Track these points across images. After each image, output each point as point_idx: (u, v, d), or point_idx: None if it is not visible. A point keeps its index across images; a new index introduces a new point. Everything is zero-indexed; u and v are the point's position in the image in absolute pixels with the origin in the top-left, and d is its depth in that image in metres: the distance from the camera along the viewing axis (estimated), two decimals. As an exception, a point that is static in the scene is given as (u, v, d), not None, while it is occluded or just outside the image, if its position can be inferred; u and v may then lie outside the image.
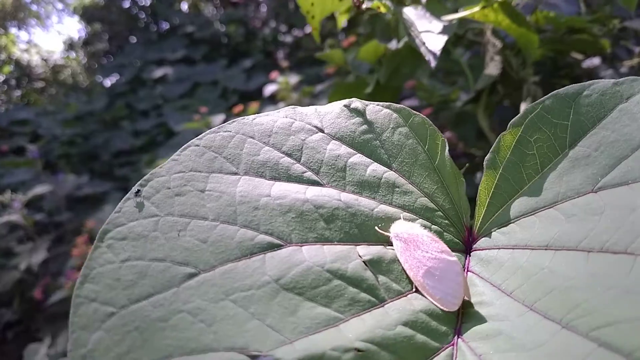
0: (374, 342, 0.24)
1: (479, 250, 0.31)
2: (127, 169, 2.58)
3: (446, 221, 0.32)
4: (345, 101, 0.36)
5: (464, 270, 0.30)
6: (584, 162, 0.29)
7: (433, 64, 0.58)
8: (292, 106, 0.35)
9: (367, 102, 0.36)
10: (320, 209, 0.30)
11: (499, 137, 0.32)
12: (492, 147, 0.32)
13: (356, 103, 0.36)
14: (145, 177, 0.30)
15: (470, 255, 0.31)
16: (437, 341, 0.26)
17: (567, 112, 0.31)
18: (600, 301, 0.23)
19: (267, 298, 0.25)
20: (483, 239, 0.32)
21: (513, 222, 0.31)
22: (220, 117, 1.88)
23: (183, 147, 0.32)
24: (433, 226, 0.32)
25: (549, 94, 0.31)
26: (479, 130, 0.97)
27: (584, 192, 0.28)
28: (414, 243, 0.28)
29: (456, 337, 0.26)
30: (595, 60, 1.05)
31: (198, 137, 0.32)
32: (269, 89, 1.81)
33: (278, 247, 0.28)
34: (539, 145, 0.31)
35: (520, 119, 0.32)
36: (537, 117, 0.31)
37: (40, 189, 1.73)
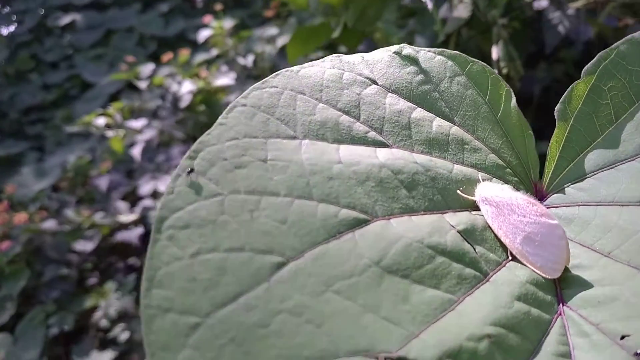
0: (501, 324, 0.22)
1: (552, 207, 0.29)
2: (40, 126, 2.33)
3: (515, 178, 0.30)
4: (396, 47, 0.31)
5: (541, 230, 0.29)
6: (666, 111, 0.28)
7: (430, 6, 0.55)
8: (337, 54, 0.31)
9: (417, 49, 0.32)
10: (400, 175, 0.26)
11: (571, 87, 0.30)
12: (563, 97, 0.30)
13: (408, 49, 0.31)
14: (193, 148, 0.24)
15: (543, 214, 0.30)
16: (547, 312, 0.24)
17: (644, 58, 0.29)
18: None
19: (373, 285, 0.22)
20: (555, 195, 0.30)
21: (590, 177, 0.29)
22: (150, 66, 1.73)
23: (228, 108, 0.26)
24: (506, 185, 0.29)
25: (623, 39, 0.29)
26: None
27: (672, 143, 0.27)
28: (509, 207, 0.26)
29: (561, 305, 0.24)
30: (544, 2, 1.06)
31: (242, 95, 0.27)
32: (203, 35, 1.68)
33: (365, 222, 0.24)
34: (613, 94, 0.29)
35: (594, 66, 0.29)
36: (611, 64, 0.29)
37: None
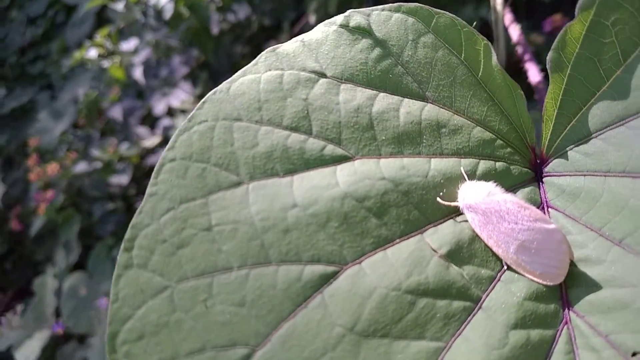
0: (495, 370, 0.20)
1: (554, 175, 0.25)
2: (40, 64, 2.28)
3: (508, 149, 0.26)
4: (340, 18, 0.25)
5: (543, 204, 0.25)
6: (690, 43, 0.22)
7: None
8: (272, 48, 0.25)
9: (368, 11, 0.26)
10: (366, 202, 0.23)
11: (563, 30, 0.23)
12: (555, 43, 0.24)
13: (356, 17, 0.25)
14: (127, 237, 0.21)
15: (542, 183, 0.26)
16: (550, 327, 0.21)
17: (658, -28, 0.22)
18: None
19: (350, 355, 0.20)
20: (556, 160, 0.26)
21: (596, 137, 0.24)
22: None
23: (157, 167, 0.23)
24: (498, 164, 0.25)
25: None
26: None
27: (696, 88, 0.21)
28: (497, 214, 0.22)
29: (567, 310, 0.22)
30: None
31: (168, 146, 0.23)
32: None
33: (334, 275, 0.21)
34: (618, 28, 0.23)
35: (592, -5, 0.23)
36: (615, -12, 0.22)
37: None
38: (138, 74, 1.62)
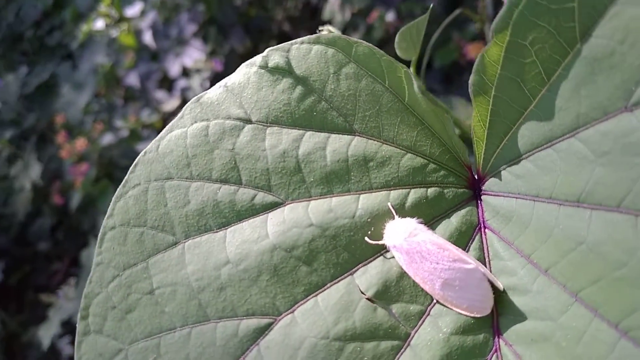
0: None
1: (491, 195, 0.25)
2: (57, 34, 2.29)
3: (442, 172, 0.26)
4: (259, 59, 0.25)
5: (480, 225, 0.25)
6: (608, 63, 0.20)
7: None
8: (196, 97, 0.25)
9: (287, 46, 0.25)
10: (295, 251, 0.24)
11: (480, 54, 0.22)
12: (475, 67, 0.23)
13: (274, 57, 0.25)
14: (82, 306, 0.24)
15: (481, 201, 0.26)
16: (480, 356, 0.23)
17: (571, -12, 0.20)
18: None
19: (285, 401, 0.22)
20: (492, 179, 0.25)
21: (526, 159, 0.24)
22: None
23: (99, 236, 0.24)
24: (429, 190, 0.25)
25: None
26: None
27: (614, 111, 0.20)
28: (419, 254, 0.23)
29: (497, 338, 0.23)
30: None
31: (107, 214, 0.24)
32: None
33: (268, 327, 0.23)
34: (538, 47, 0.22)
35: (504, 18, 0.21)
36: (527, 9, 0.21)
37: (-11, 109, 1.59)
38: (148, 37, 1.62)
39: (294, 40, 0.25)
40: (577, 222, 0.21)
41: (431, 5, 0.36)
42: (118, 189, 0.25)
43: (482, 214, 0.25)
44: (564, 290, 0.21)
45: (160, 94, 1.69)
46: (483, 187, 0.26)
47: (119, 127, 1.58)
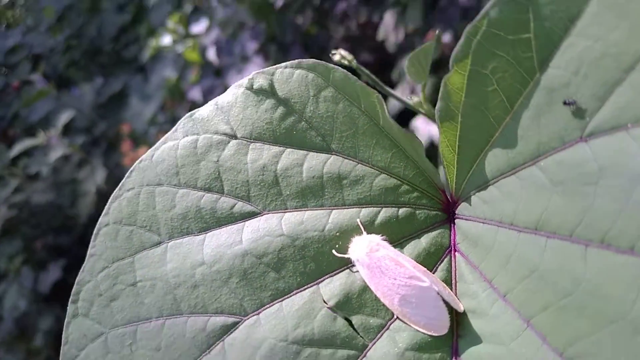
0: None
1: (463, 219, 0.26)
2: (133, 48, 2.47)
3: (415, 194, 0.26)
4: (246, 81, 0.27)
5: (451, 248, 0.26)
6: (565, 93, 0.21)
7: None
8: (190, 113, 0.28)
9: (272, 70, 0.27)
10: (264, 258, 0.25)
11: (443, 82, 0.23)
12: (440, 94, 0.24)
13: (259, 80, 0.27)
14: (73, 291, 0.26)
15: (454, 224, 0.26)
16: (432, 373, 0.23)
17: (525, 20, 0.21)
18: (599, 337, 0.18)
19: (240, 397, 0.23)
20: (463, 204, 0.26)
21: (492, 184, 0.24)
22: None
23: (95, 232, 0.27)
24: (401, 210, 0.26)
25: (491, 2, 0.21)
26: None
27: (571, 141, 0.21)
28: (378, 269, 0.24)
29: (454, 359, 0.23)
30: None
31: (103, 212, 0.27)
32: None
33: (234, 326, 0.25)
34: (499, 76, 0.22)
35: (464, 47, 0.22)
36: (485, 39, 0.22)
37: (65, 116, 1.74)
38: (212, 54, 1.71)
39: (278, 65, 0.27)
40: (533, 249, 0.22)
41: (437, 31, 0.37)
42: (114, 192, 0.28)
43: (454, 237, 0.26)
44: (519, 315, 0.22)
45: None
46: (456, 211, 0.26)
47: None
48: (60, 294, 1.72)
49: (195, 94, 1.80)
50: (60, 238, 1.89)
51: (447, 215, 0.27)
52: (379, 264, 0.24)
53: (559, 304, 0.20)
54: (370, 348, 0.24)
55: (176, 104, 1.83)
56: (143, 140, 1.76)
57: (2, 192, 1.71)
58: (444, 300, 0.23)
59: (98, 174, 1.70)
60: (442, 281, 0.25)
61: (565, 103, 0.20)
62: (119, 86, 2.02)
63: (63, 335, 0.26)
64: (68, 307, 0.26)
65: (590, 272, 0.19)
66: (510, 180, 0.23)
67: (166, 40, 1.62)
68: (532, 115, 0.22)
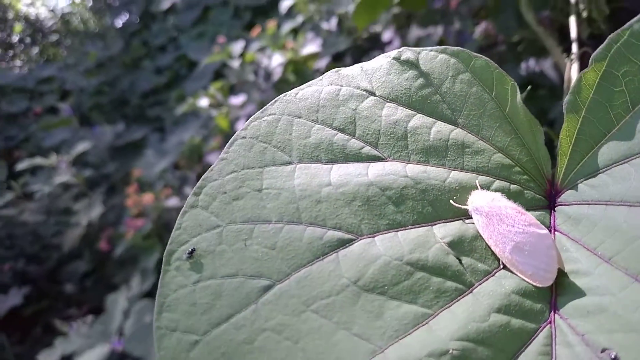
0: (469, 338, 0.23)
1: (565, 205, 0.28)
2: (158, 108, 2.58)
3: (525, 177, 0.29)
4: (394, 53, 0.32)
5: (551, 229, 0.28)
6: (689, 96, 0.25)
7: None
8: (336, 69, 0.32)
9: (418, 50, 0.32)
10: (387, 191, 0.27)
11: (578, 76, 0.28)
12: (572, 88, 0.28)
13: (407, 53, 0.31)
14: (198, 185, 0.28)
15: (555, 211, 0.29)
16: (534, 322, 0.24)
17: (663, 36, 0.26)
18: None
19: (349, 303, 0.24)
20: (568, 191, 0.29)
21: (603, 172, 0.27)
22: (240, 44, 1.81)
23: (230, 141, 0.29)
24: (512, 186, 0.29)
25: (637, 17, 0.26)
26: (521, 19, 0.88)
27: (691, 133, 0.24)
28: (498, 217, 0.26)
29: (552, 312, 0.24)
30: None
31: (243, 127, 0.30)
32: (285, 4, 1.71)
33: (349, 242, 0.26)
34: (628, 79, 0.27)
35: (604, 50, 0.27)
36: (624, 46, 0.27)
37: (82, 147, 1.77)
38: (240, 125, 1.80)
39: (424, 47, 0.32)
40: (646, 218, 0.24)
41: (529, 87, 0.42)
42: (256, 113, 0.30)
43: (554, 221, 0.28)
44: (625, 273, 0.23)
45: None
46: (558, 200, 0.29)
47: (187, 195, 1.69)
48: (10, 323, 1.60)
49: (213, 159, 1.85)
50: (30, 266, 1.80)
51: (549, 202, 0.29)
52: (500, 211, 0.26)
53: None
54: (476, 287, 0.25)
55: (192, 165, 1.88)
56: (149, 188, 1.77)
57: (-8, 203, 1.67)
58: (556, 251, 0.25)
59: (94, 209, 1.68)
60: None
61: None
62: (139, 136, 2.08)
63: (177, 222, 0.27)
64: (188, 198, 0.27)
65: None
66: (622, 167, 0.26)
67: (203, 102, 1.72)
68: (653, 114, 0.26)
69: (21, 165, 1.66)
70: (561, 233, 0.27)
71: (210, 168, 0.28)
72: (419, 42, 1.28)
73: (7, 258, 1.77)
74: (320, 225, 0.26)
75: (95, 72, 2.62)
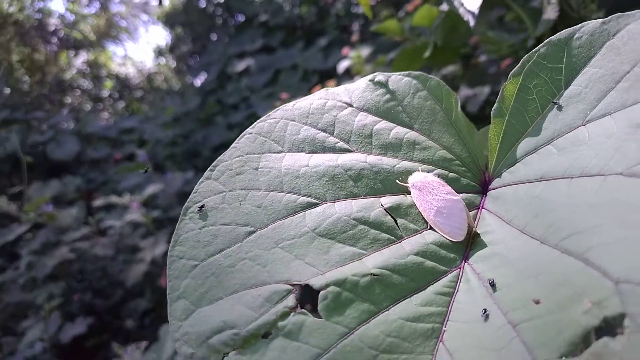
0: (388, 268, 0.30)
1: (492, 189, 0.36)
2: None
3: (463, 168, 0.37)
4: (370, 76, 0.41)
5: (479, 207, 0.35)
6: (576, 100, 0.32)
7: (472, 23, 0.61)
8: (326, 88, 0.42)
9: (390, 74, 0.41)
10: (349, 171, 0.36)
11: (502, 88, 0.36)
12: (498, 97, 0.36)
13: (379, 76, 0.41)
14: (213, 163, 0.38)
15: (486, 195, 0.36)
16: (446, 265, 0.31)
17: (560, 56, 0.34)
18: (569, 217, 0.27)
19: (307, 243, 0.32)
20: (496, 179, 0.36)
21: (519, 162, 0.35)
22: (300, 100, 1.98)
23: (240, 135, 0.40)
24: (450, 174, 0.37)
25: (543, 42, 0.35)
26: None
27: (575, 127, 0.32)
28: (427, 189, 0.34)
29: (463, 261, 0.31)
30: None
31: (251, 125, 0.40)
32: (343, 66, 1.87)
33: (315, 205, 0.35)
34: (537, 89, 0.35)
35: (519, 68, 0.35)
36: (534, 65, 0.35)
37: (153, 189, 1.96)
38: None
39: (393, 72, 0.41)
40: (536, 189, 0.31)
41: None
42: (262, 117, 0.41)
43: (484, 202, 0.36)
44: (517, 229, 0.30)
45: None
46: (490, 187, 0.36)
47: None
48: (73, 353, 1.74)
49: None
50: (96, 300, 1.97)
51: (481, 188, 0.37)
52: (429, 185, 0.34)
53: (546, 209, 0.29)
54: (405, 239, 0.33)
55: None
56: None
57: (71, 234, 1.88)
58: (466, 214, 0.32)
59: (159, 247, 1.83)
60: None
61: (553, 102, 0.32)
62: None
63: (194, 188, 0.37)
64: (205, 173, 0.38)
65: (570, 189, 0.28)
66: (531, 157, 0.34)
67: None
68: (554, 114, 0.33)
69: (98, 202, 1.87)
70: (486, 210, 0.35)
71: (223, 153, 0.39)
72: (466, 101, 1.37)
73: (76, 290, 1.95)
74: (296, 193, 0.35)
75: (172, 125, 2.92)
